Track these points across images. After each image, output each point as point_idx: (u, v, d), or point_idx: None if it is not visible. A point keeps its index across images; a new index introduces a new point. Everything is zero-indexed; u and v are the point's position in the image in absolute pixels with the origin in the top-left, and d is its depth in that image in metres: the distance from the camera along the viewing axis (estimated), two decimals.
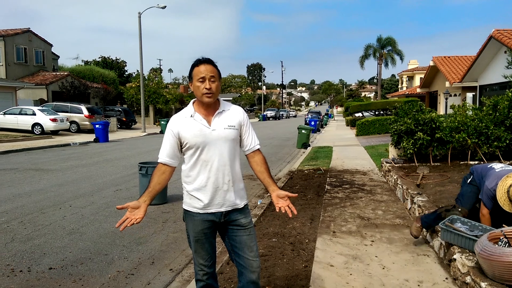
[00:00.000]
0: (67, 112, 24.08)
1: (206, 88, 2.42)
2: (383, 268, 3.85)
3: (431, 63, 24.21)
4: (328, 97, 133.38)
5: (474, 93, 18.91)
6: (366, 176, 9.01)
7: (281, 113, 61.60)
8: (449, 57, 23.88)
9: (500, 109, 7.84)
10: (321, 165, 10.69)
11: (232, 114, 2.56)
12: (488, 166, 4.12)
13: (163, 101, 36.34)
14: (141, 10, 27.16)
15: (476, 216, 4.03)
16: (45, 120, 21.40)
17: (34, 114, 21.55)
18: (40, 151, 15.44)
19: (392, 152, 9.41)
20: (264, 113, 57.63)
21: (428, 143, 7.88)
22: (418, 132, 7.88)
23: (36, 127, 21.34)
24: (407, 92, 34.61)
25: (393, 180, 7.49)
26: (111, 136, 21.78)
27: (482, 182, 3.95)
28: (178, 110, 27.20)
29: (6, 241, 4.98)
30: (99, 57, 43.75)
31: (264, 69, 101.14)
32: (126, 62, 45.92)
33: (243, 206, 2.61)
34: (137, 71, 40.67)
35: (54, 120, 21.59)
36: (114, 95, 35.95)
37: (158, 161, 2.54)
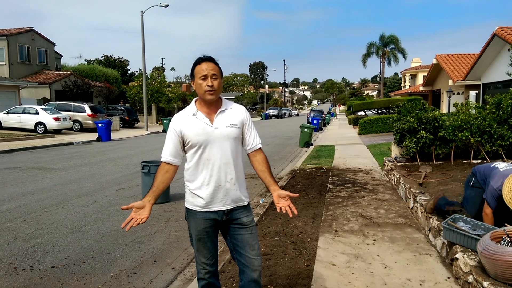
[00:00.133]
0: (70, 111, 24.15)
1: (208, 86, 2.42)
2: (385, 267, 3.85)
3: (434, 61, 24.11)
4: (331, 95, 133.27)
5: (477, 91, 18.83)
6: (368, 175, 8.99)
7: (283, 111, 61.55)
8: (452, 55, 23.78)
9: (504, 108, 7.81)
10: (324, 164, 10.68)
11: (235, 113, 2.56)
12: (491, 166, 4.11)
13: (166, 100, 36.38)
14: (144, 9, 27.20)
15: (479, 215, 4.02)
16: (48, 119, 21.46)
17: (37, 113, 21.62)
18: (43, 150, 15.49)
19: (395, 151, 9.39)
20: (267, 112, 57.60)
21: (431, 141, 7.86)
22: (421, 131, 7.86)
23: (39, 126, 21.40)
24: (410, 91, 34.50)
25: (395, 179, 7.47)
26: (114, 135, 21.82)
27: (487, 182, 3.93)
28: (180, 109, 27.15)
29: (9, 240, 5.00)
30: (102, 56, 43.79)
31: (266, 67, 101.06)
32: (128, 61, 45.96)
33: (245, 204, 2.62)
34: (140, 70, 40.79)
35: (57, 119, 21.65)
36: (117, 94, 36.00)
37: (161, 160, 2.54)
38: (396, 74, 75.22)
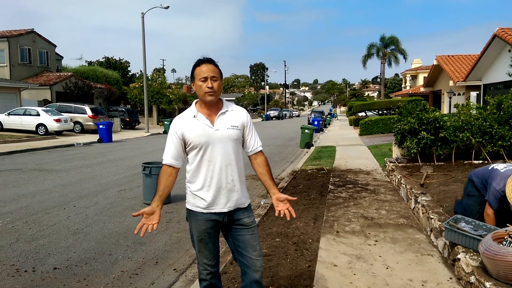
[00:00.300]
0: (71, 112, 24.17)
1: (208, 87, 2.43)
2: (387, 268, 3.84)
3: (435, 62, 24.11)
4: (331, 96, 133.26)
5: (478, 92, 18.83)
6: (369, 175, 8.99)
7: (284, 112, 61.53)
8: (453, 56, 23.78)
9: (504, 108, 7.81)
10: (325, 165, 10.67)
11: (236, 115, 2.57)
12: (490, 168, 4.12)
13: (166, 101, 36.41)
14: (144, 11, 27.21)
15: (480, 220, 4.02)
16: (49, 120, 21.48)
17: (38, 114, 21.64)
18: (44, 152, 15.51)
19: (396, 152, 9.39)
20: (267, 113, 57.59)
21: (432, 142, 7.85)
22: (422, 132, 7.86)
23: (40, 127, 21.43)
24: (410, 91, 34.51)
25: (396, 180, 7.47)
26: (115, 137, 21.83)
27: (488, 184, 3.94)
28: (181, 110, 27.19)
29: (11, 241, 5.01)
30: (103, 58, 43.90)
31: (267, 68, 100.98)
32: (129, 62, 46.05)
33: (246, 205, 2.62)
34: (141, 71, 40.76)
35: (58, 120, 21.68)
36: (118, 96, 36.05)
37: (163, 163, 2.54)
38: (396, 75, 75.23)
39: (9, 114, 22.08)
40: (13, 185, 8.55)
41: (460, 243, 3.58)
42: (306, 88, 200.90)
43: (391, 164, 8.49)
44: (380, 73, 49.21)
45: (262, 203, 6.63)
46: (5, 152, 14.53)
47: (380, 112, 29.19)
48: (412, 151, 8.11)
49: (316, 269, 3.83)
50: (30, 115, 21.74)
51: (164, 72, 56.08)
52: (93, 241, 5.04)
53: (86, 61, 45.48)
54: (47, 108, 23.13)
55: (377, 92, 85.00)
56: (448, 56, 23.79)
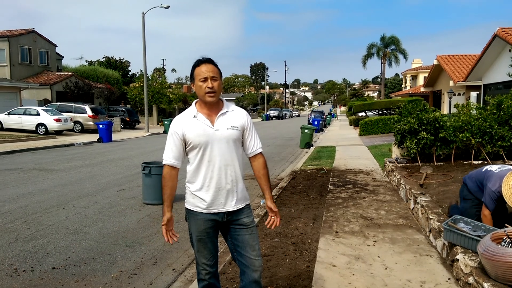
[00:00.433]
0: (71, 112, 24.17)
1: (208, 87, 2.43)
2: (386, 269, 3.84)
3: (435, 62, 24.10)
4: (331, 96, 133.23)
5: (478, 92, 18.82)
6: (369, 176, 8.99)
7: (284, 112, 61.55)
8: (453, 56, 23.77)
9: (504, 108, 7.81)
10: (324, 165, 10.67)
11: (236, 116, 2.57)
12: (483, 170, 4.15)
13: (167, 101, 36.41)
14: (145, 10, 27.21)
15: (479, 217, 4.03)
16: (49, 120, 21.48)
17: (38, 114, 21.65)
18: (44, 151, 15.51)
19: (396, 152, 9.39)
20: (267, 113, 57.59)
21: (431, 142, 7.85)
22: (422, 132, 7.85)
23: (40, 127, 21.43)
24: (410, 91, 34.50)
25: (396, 180, 7.47)
26: (115, 136, 21.83)
27: (484, 186, 3.96)
28: (181, 110, 27.20)
29: (10, 241, 5.01)
30: (103, 57, 43.88)
31: (267, 68, 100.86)
32: (129, 62, 46.04)
33: (245, 205, 2.63)
34: (141, 71, 40.77)
35: (58, 120, 21.68)
36: (118, 95, 36.04)
37: (165, 163, 2.54)
38: (397, 75, 75.22)
39: (9, 114, 22.09)
40: (12, 185, 8.55)
41: (459, 243, 3.58)
42: (306, 88, 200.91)
43: (391, 164, 8.49)
44: (380, 73, 49.20)
45: (261, 203, 6.63)
46: (5, 151, 14.53)
47: (380, 112, 29.20)
48: (411, 151, 8.11)
49: (315, 270, 3.83)
50: (30, 114, 21.74)
51: (164, 72, 56.07)
52: (92, 241, 5.04)
53: (86, 60, 45.51)
54: (47, 108, 23.13)
55: (377, 92, 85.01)
56: (449, 56, 23.78)
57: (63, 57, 37.65)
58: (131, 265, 4.29)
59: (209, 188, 2.51)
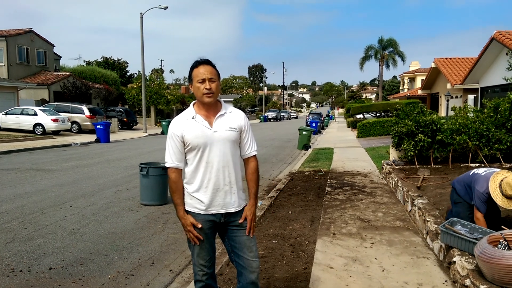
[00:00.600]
0: (68, 112, 24.11)
1: (206, 89, 2.44)
2: (383, 271, 3.85)
3: (433, 65, 24.20)
4: (329, 98, 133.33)
5: (475, 95, 18.89)
6: (366, 178, 9.00)
7: (282, 114, 61.61)
8: (450, 58, 23.87)
9: (501, 111, 7.84)
10: (322, 167, 10.69)
11: (234, 117, 2.58)
12: (471, 174, 4.22)
13: (165, 101, 36.38)
14: (143, 11, 27.20)
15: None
16: (47, 120, 21.42)
17: (35, 114, 21.58)
18: (41, 151, 15.46)
19: (393, 154, 9.41)
20: (265, 114, 57.64)
21: (429, 145, 7.87)
22: (419, 134, 7.87)
23: (38, 127, 21.36)
24: (408, 94, 34.59)
25: (393, 182, 7.48)
26: (112, 137, 21.79)
27: (472, 188, 4.02)
28: (179, 111, 27.17)
29: (7, 241, 4.99)
30: (101, 58, 43.81)
31: (265, 70, 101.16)
32: (127, 63, 46.02)
33: (243, 207, 2.63)
34: (139, 71, 40.71)
35: (55, 120, 21.62)
36: (116, 96, 35.97)
37: (168, 166, 2.53)
38: (394, 77, 75.39)
39: (6, 114, 22.01)
40: (9, 185, 8.52)
41: (456, 246, 3.59)
42: (304, 90, 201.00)
43: (388, 166, 8.51)
44: (378, 75, 49.30)
45: (259, 204, 6.64)
46: (2, 151, 14.48)
47: (377, 114, 29.27)
48: (409, 154, 8.13)
49: (312, 271, 3.83)
50: (28, 114, 21.68)
51: (163, 73, 56.11)
52: (89, 241, 5.03)
53: (84, 61, 45.39)
54: (45, 108, 23.06)
55: (375, 94, 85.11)
56: (446, 58, 23.88)
57: (60, 57, 37.58)
58: (128, 266, 4.28)
59: (207, 189, 2.51)
